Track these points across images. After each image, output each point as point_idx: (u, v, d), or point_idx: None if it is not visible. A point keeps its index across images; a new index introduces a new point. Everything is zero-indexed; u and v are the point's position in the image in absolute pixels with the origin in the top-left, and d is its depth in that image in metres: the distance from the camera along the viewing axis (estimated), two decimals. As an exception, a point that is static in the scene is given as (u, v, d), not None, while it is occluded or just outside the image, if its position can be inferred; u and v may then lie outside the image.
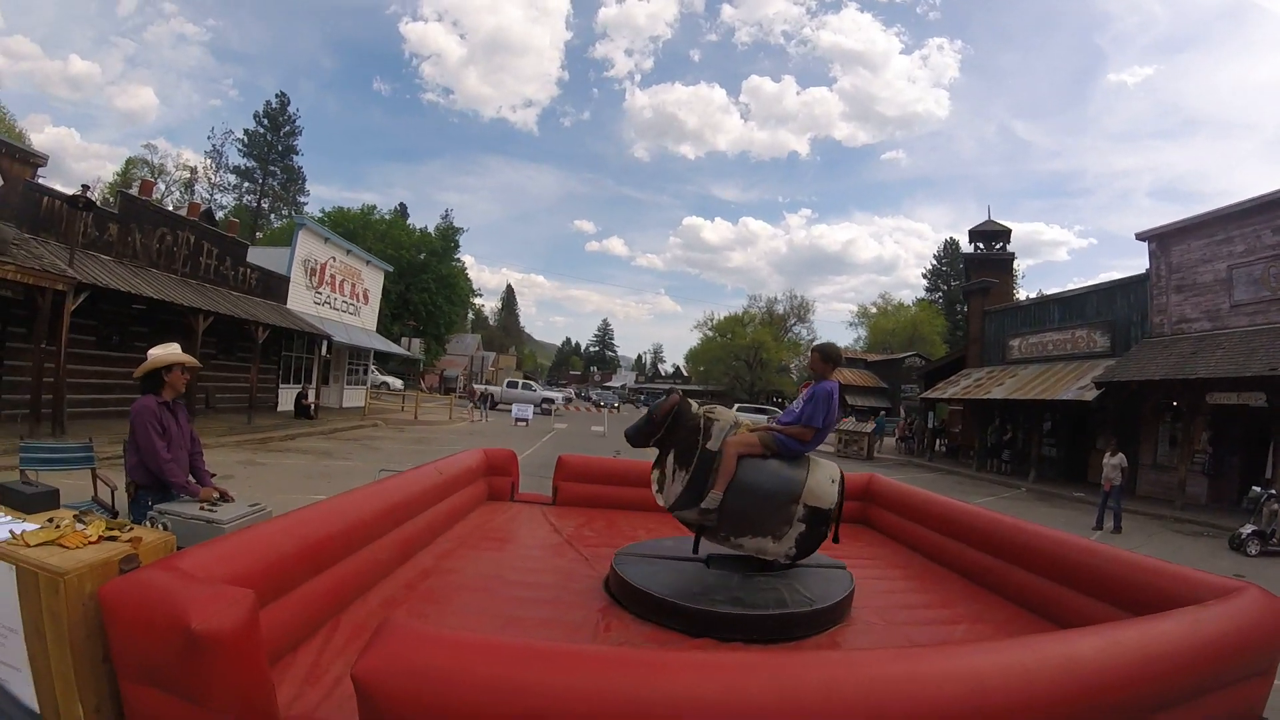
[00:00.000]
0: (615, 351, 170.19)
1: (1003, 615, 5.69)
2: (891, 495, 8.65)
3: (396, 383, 57.14)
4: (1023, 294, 52.51)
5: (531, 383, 59.47)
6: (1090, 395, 22.92)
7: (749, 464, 5.22)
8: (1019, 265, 64.81)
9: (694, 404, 5.50)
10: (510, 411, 36.18)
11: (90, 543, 3.29)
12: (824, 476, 5.40)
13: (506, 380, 57.64)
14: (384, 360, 51.45)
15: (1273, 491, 15.11)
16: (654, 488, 5.41)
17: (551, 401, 49.44)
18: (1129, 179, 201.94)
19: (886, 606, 5.64)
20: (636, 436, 5.40)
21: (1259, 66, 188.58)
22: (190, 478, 5.33)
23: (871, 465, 28.26)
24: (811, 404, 5.44)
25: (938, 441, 36.85)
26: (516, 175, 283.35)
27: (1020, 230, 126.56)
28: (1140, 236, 24.60)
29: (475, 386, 56.52)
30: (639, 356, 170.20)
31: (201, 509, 4.79)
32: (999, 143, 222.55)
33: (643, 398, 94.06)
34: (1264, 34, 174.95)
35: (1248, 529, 14.38)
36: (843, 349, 72.76)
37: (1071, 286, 30.75)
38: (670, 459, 5.34)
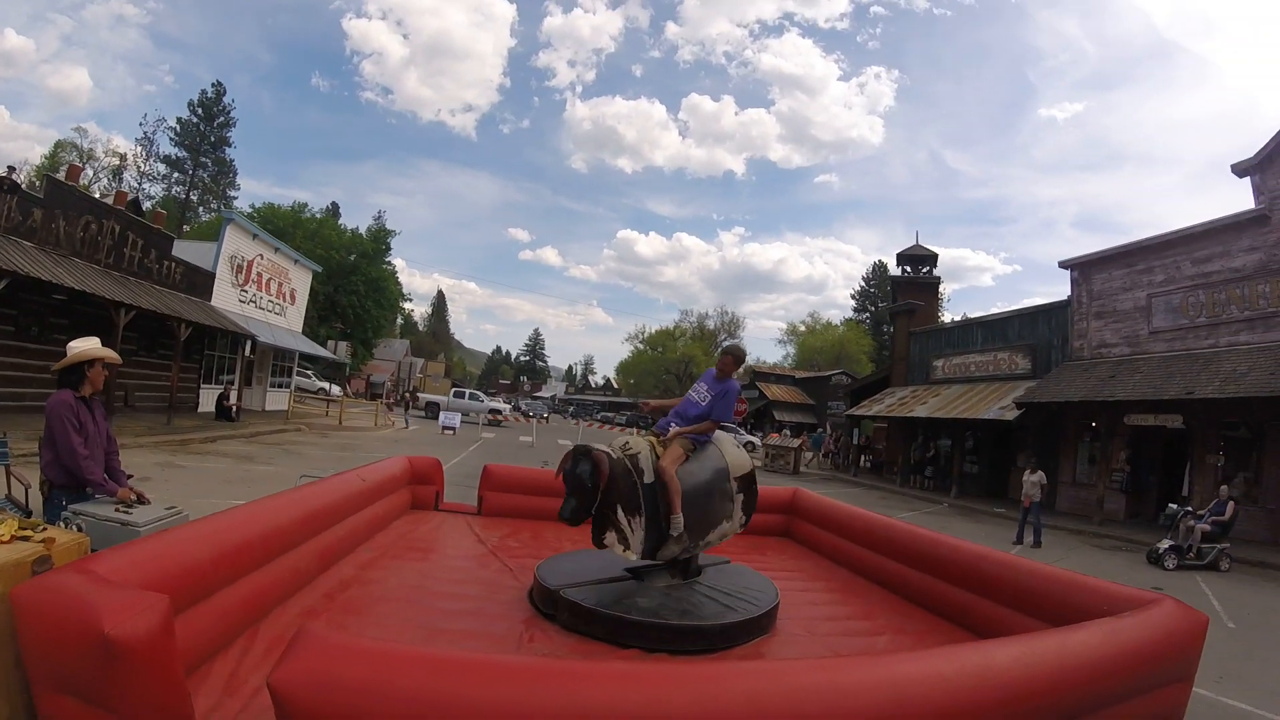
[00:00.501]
0: (546, 361, 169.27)
1: (924, 626, 5.81)
2: (815, 509, 8.75)
3: (335, 389, 55.27)
4: (948, 317, 53.67)
5: (479, 393, 57.27)
6: (1011, 415, 23.52)
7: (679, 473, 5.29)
8: (944, 289, 66.53)
9: (605, 449, 5.37)
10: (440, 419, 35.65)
11: (2, 542, 3.21)
12: (731, 445, 5.87)
13: (453, 390, 56.25)
14: (312, 362, 50.51)
15: (1189, 509, 15.62)
16: (618, 550, 5.21)
17: (499, 412, 48.13)
18: (1054, 209, 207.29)
19: (811, 618, 5.72)
20: (578, 513, 5.09)
21: (1181, 104, 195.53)
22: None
23: (797, 480, 28.52)
24: (724, 401, 5.67)
25: (863, 457, 37.28)
26: (452, 180, 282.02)
27: (947, 255, 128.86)
28: (1063, 264, 25.30)
29: (421, 395, 55.05)
30: (570, 367, 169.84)
31: (117, 511, 4.67)
32: (929, 170, 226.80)
33: (571, 409, 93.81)
34: (1187, 73, 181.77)
35: (1165, 544, 14.83)
36: (772, 366, 73.47)
37: (995, 310, 31.45)
38: (619, 513, 5.19)
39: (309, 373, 53.55)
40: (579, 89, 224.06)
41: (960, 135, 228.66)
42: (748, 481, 5.81)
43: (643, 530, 5.12)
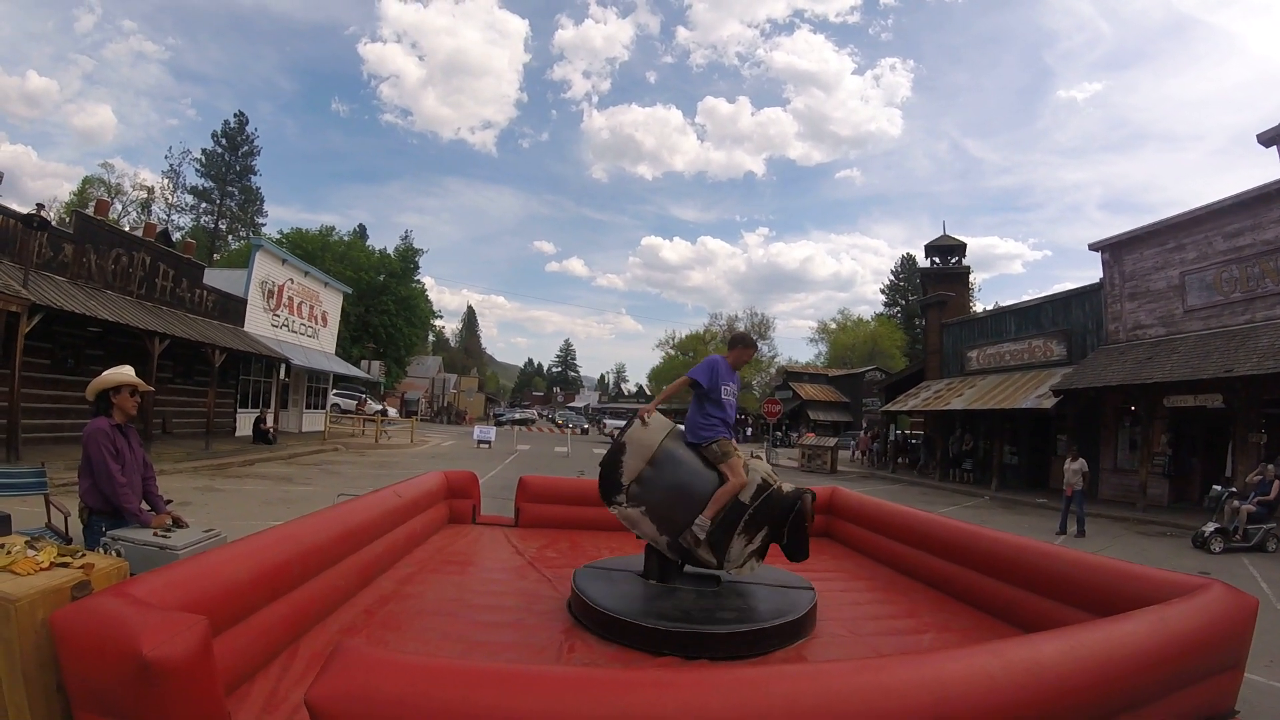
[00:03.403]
0: (578, 372, 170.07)
1: (969, 622, 5.72)
2: (854, 507, 8.67)
3: (391, 411, 54.77)
4: (979, 306, 53.13)
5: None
6: (1049, 403, 23.26)
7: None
8: (975, 279, 65.96)
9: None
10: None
11: (42, 569, 3.25)
12: None
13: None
14: (347, 382, 50.75)
15: (1233, 490, 15.37)
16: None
17: None
18: (1080, 192, 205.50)
19: (853, 618, 5.65)
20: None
21: (1202, 79, 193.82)
22: (144, 505, 5.24)
23: (835, 479, 28.36)
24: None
25: (900, 454, 36.99)
26: (476, 197, 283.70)
27: (975, 244, 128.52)
28: (1094, 247, 25.00)
29: (606, 421, 52.78)
30: (602, 376, 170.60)
31: (155, 535, 4.71)
32: (952, 160, 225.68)
33: (604, 416, 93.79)
34: (1207, 48, 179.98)
35: (1210, 527, 14.59)
36: (804, 365, 73.19)
37: (1027, 298, 31.15)
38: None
39: (361, 394, 53.63)
40: (595, 99, 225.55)
41: (980, 123, 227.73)
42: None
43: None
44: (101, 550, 4.34)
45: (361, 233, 79.98)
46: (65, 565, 3.38)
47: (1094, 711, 3.15)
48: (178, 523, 5.14)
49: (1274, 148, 19.66)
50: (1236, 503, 14.71)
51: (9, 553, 3.31)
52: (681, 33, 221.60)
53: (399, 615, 4.95)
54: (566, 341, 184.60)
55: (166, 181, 67.13)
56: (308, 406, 36.28)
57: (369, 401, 49.91)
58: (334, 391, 41.75)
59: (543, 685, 2.61)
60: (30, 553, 3.37)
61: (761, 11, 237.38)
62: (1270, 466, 15.43)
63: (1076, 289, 27.00)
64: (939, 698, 2.78)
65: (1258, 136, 19.95)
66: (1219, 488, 15.79)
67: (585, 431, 56.37)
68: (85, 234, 19.92)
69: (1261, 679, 6.47)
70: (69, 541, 5.69)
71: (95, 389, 5.24)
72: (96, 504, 5.04)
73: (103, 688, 2.70)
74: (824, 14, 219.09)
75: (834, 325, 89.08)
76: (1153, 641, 3.51)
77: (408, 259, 66.18)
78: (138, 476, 5.27)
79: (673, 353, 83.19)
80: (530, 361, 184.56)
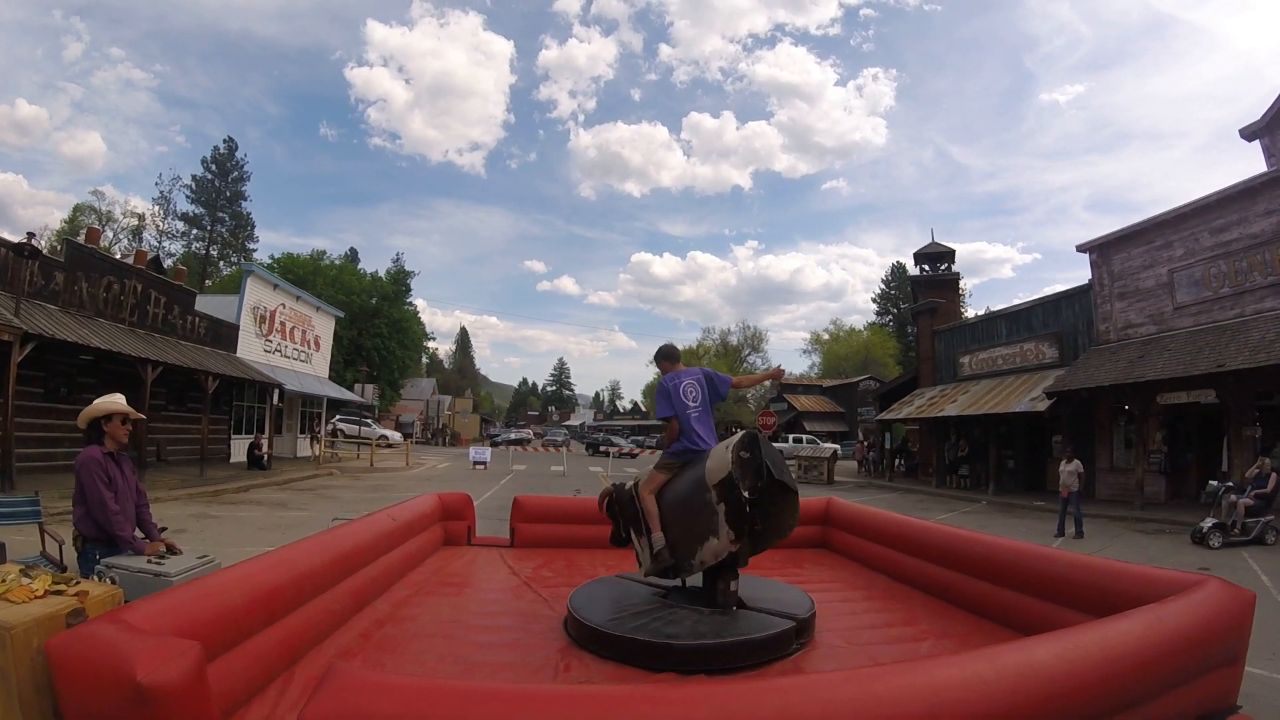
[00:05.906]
0: (573, 390, 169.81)
1: (967, 628, 5.71)
2: (850, 517, 8.65)
3: (395, 435, 54.96)
4: (970, 312, 53.11)
5: (815, 439, 51.03)
6: (1043, 406, 23.33)
7: (666, 492, 5.41)
8: (965, 284, 65.96)
9: (628, 481, 5.84)
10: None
11: (36, 597, 3.27)
12: (714, 452, 5.18)
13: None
14: (340, 406, 50.64)
15: (1230, 484, 15.42)
16: (638, 569, 5.69)
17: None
18: (1066, 194, 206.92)
19: (851, 628, 5.63)
20: (615, 537, 5.94)
21: (1184, 76, 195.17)
22: (138, 532, 5.24)
23: (832, 489, 28.34)
24: (660, 401, 5.68)
25: (897, 461, 37.02)
26: (466, 218, 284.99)
27: (964, 250, 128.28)
28: (1081, 248, 25.16)
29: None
30: (597, 394, 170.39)
31: (149, 562, 4.71)
32: (937, 167, 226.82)
33: (601, 435, 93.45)
34: (1187, 45, 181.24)
35: (1209, 522, 14.65)
36: (799, 377, 72.91)
37: (1017, 301, 31.23)
38: (631, 535, 5.67)
39: (368, 421, 53.54)
40: (581, 118, 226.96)
41: (964, 129, 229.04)
42: (726, 488, 4.88)
43: (644, 550, 5.45)
44: (96, 578, 4.35)
45: (353, 256, 79.92)
46: (60, 593, 3.40)
47: (1091, 712, 3.14)
48: (171, 550, 5.15)
49: (1257, 142, 19.81)
50: (1234, 497, 14.76)
51: (4, 580, 3.33)
52: (664, 50, 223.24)
53: (395, 638, 4.93)
54: (560, 360, 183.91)
55: (157, 208, 67.00)
56: (302, 431, 36.26)
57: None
58: (337, 417, 41.78)
59: (537, 703, 2.61)
60: (25, 580, 3.38)
61: (743, 26, 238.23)
62: (1267, 460, 15.48)
63: (1066, 291, 27.16)
64: (932, 704, 2.78)
65: (1240, 131, 20.15)
66: (1216, 483, 15.87)
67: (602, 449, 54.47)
68: (77, 262, 19.96)
69: (1264, 672, 6.50)
70: (64, 569, 5.71)
71: (86, 417, 5.27)
72: (90, 532, 5.04)
73: (98, 714, 2.69)
74: (805, 26, 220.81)
75: (826, 336, 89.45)
76: (1148, 640, 3.51)
77: (399, 281, 66.09)
78: (131, 504, 5.28)
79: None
80: (525, 381, 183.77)
